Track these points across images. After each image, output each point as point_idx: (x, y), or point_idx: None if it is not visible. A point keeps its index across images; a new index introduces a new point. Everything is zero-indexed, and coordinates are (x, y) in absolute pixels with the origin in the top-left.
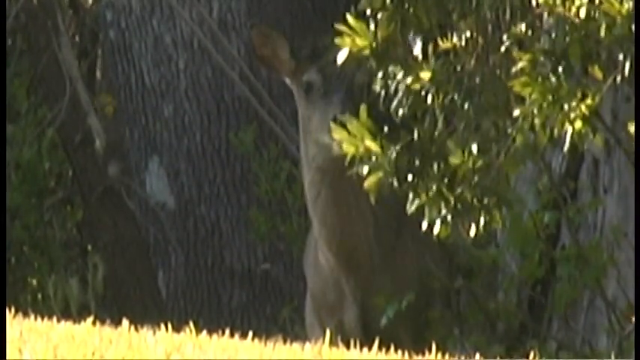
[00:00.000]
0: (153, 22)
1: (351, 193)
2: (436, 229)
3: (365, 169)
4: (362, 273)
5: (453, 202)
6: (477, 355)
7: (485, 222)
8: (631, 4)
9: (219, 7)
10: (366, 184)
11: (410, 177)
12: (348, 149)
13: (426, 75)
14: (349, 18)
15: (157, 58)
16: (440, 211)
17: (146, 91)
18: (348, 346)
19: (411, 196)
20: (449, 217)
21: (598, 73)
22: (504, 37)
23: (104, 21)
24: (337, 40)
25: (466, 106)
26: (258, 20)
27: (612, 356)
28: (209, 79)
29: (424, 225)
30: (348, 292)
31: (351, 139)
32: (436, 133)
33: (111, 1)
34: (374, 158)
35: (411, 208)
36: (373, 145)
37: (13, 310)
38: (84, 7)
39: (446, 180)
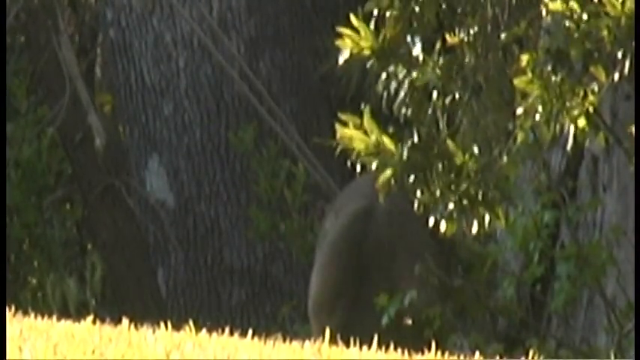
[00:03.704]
0: (153, 21)
1: None
2: (442, 226)
3: (374, 165)
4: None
5: (457, 198)
6: (477, 354)
7: (489, 220)
8: (629, 3)
9: (219, 5)
10: (379, 180)
11: (416, 174)
12: (358, 145)
13: (430, 72)
14: (353, 19)
15: (157, 57)
16: (446, 207)
17: (146, 90)
18: (347, 345)
19: (418, 193)
20: (454, 214)
21: (601, 74)
22: (502, 35)
23: (104, 19)
24: (339, 42)
25: (471, 103)
26: (258, 18)
27: (611, 354)
28: (209, 77)
29: (431, 221)
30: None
31: (361, 134)
32: (439, 132)
33: (111, 0)
34: (382, 154)
35: (417, 204)
36: (387, 142)
37: (12, 308)
38: (84, 6)
39: (452, 176)
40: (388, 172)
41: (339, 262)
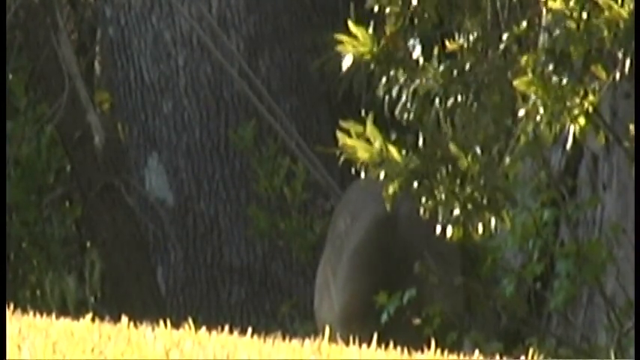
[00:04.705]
0: (152, 19)
1: None
2: (449, 232)
3: (381, 175)
4: None
5: (463, 202)
6: (477, 352)
7: (495, 223)
8: (631, 5)
9: (219, 3)
10: (386, 192)
11: (421, 180)
12: (362, 155)
13: (431, 77)
14: (350, 24)
15: (157, 55)
16: (452, 213)
17: (145, 88)
18: (347, 343)
19: (423, 199)
20: (461, 218)
21: (601, 73)
22: (504, 36)
23: (103, 17)
24: (339, 48)
25: (472, 105)
26: (257, 16)
27: (611, 353)
28: (208, 75)
29: (438, 228)
30: None
31: (365, 144)
32: (441, 136)
33: None
34: (388, 164)
35: (423, 210)
36: (392, 150)
37: (12, 306)
38: (83, 4)
39: (458, 181)
40: (395, 183)
41: (367, 273)
